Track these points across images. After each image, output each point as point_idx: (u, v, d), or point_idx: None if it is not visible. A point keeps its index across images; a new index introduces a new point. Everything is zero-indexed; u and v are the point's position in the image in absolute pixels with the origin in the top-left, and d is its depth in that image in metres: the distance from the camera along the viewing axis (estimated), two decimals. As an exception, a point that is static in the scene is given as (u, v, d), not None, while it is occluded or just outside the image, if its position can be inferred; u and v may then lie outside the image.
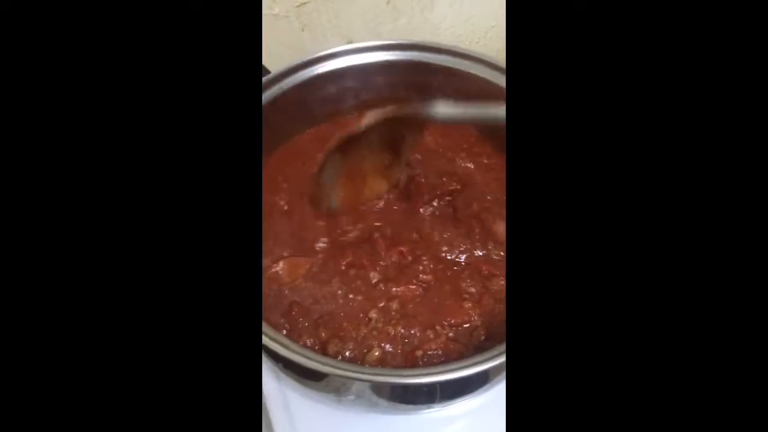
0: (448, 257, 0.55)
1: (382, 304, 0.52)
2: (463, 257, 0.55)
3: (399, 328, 0.50)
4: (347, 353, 0.49)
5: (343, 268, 0.54)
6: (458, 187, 0.60)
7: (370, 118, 0.47)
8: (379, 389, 0.44)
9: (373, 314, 0.51)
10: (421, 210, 0.59)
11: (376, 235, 0.57)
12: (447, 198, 0.60)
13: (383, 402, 0.46)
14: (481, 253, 0.56)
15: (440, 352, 0.49)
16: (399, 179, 0.59)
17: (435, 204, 0.59)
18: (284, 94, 0.59)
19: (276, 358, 0.47)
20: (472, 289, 0.53)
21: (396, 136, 0.51)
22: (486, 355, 0.41)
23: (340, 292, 0.53)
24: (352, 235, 0.57)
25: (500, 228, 0.57)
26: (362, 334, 0.50)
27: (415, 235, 0.57)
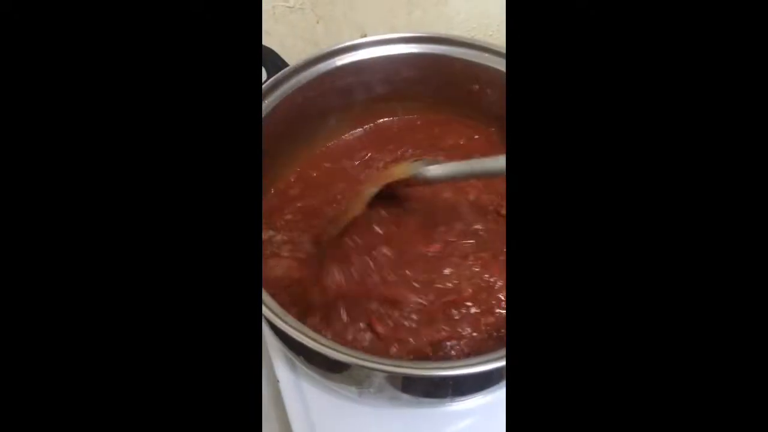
0: None
1: None
2: None
3: None
4: None
5: None
6: None
7: (366, 196, 0.53)
8: (398, 381, 0.44)
9: None
10: None
11: None
12: None
13: (405, 396, 0.46)
14: None
15: None
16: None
17: None
18: (301, 87, 0.59)
19: (294, 348, 0.47)
20: None
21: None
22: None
23: None
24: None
25: None
26: None
27: None
